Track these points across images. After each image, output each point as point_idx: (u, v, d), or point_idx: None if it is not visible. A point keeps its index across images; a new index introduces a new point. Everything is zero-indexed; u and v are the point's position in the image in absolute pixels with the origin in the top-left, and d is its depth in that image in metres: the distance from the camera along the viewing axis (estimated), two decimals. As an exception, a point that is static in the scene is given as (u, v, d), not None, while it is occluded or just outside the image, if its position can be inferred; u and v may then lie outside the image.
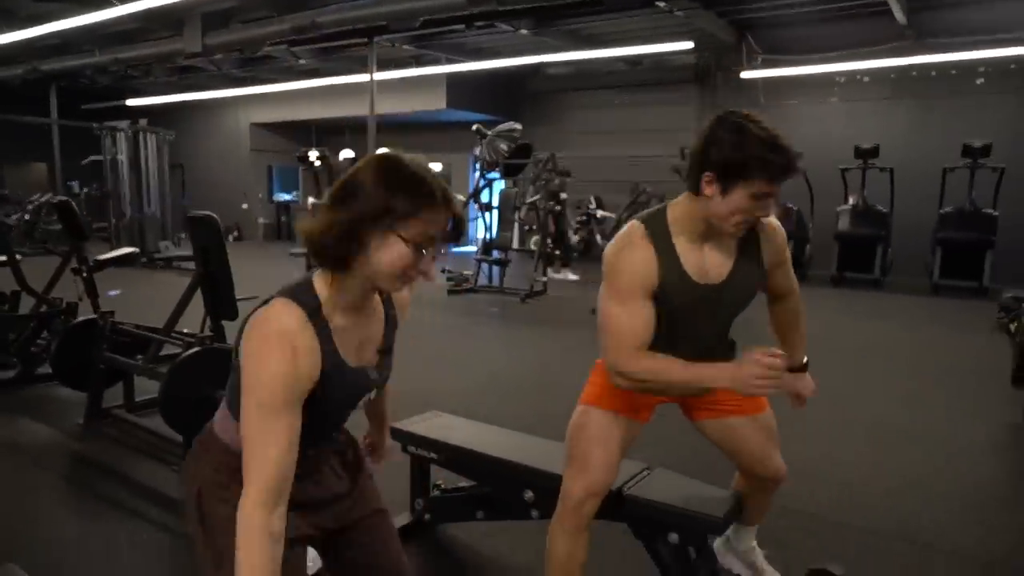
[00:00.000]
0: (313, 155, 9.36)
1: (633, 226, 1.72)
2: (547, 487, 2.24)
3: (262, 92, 14.65)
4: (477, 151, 9.25)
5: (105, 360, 3.71)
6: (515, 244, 11.31)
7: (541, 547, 2.53)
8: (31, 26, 10.03)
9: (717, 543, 2.28)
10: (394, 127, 14.60)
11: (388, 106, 13.05)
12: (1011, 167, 8.64)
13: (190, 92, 15.70)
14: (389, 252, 1.17)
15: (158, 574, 2.40)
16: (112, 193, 11.71)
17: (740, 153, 1.54)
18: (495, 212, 9.12)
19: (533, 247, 9.96)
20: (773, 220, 1.77)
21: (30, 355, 4.53)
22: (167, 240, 11.29)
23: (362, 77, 10.78)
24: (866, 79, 10.57)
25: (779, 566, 2.26)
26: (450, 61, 11.95)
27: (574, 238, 12.56)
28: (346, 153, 13.37)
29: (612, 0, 7.10)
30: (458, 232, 1.23)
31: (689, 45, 9.65)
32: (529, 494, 2.29)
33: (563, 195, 9.08)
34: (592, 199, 12.54)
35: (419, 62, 12.40)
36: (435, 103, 12.98)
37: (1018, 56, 9.10)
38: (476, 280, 8.95)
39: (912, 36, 9.59)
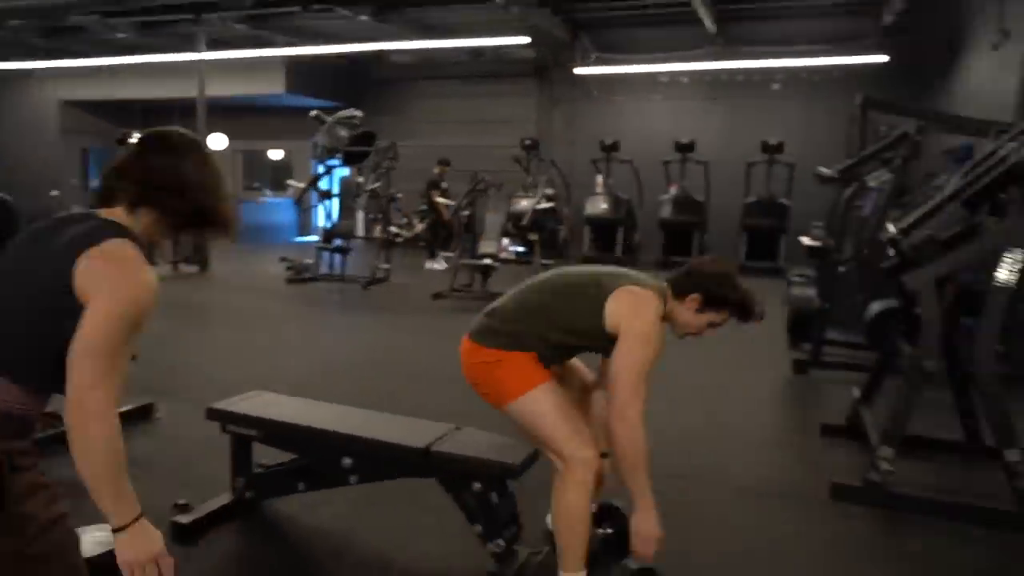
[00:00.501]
0: (136, 137, 8.73)
1: (658, 304, 2.06)
2: (364, 452, 2.40)
3: (73, 66, 13.31)
4: (317, 138, 9.09)
5: None
6: (360, 232, 11.24)
7: (362, 510, 2.69)
8: None
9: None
10: (231, 110, 13.86)
11: (222, 88, 12.38)
12: (800, 162, 9.86)
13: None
14: None
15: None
16: None
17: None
18: (336, 200, 9.01)
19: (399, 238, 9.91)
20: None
21: None
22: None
23: (190, 55, 10.19)
24: (685, 80, 11.58)
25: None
26: (289, 44, 11.56)
27: (419, 226, 12.68)
28: (218, 140, 12.54)
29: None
30: None
31: (526, 40, 10.05)
32: (347, 460, 2.43)
33: (443, 184, 8.92)
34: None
35: (257, 43, 11.87)
36: (273, 87, 12.51)
37: (807, 66, 10.41)
38: (317, 269, 8.82)
39: (721, 44, 10.65)
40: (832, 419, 3.75)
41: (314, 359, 5.11)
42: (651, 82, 11.69)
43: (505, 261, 7.69)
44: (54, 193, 15.33)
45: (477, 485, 2.25)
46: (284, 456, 2.63)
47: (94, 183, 15.58)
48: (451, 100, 13.41)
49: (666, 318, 2.11)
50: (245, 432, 2.60)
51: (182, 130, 1.41)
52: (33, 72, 14.26)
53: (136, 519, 1.21)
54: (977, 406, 3.22)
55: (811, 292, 5.19)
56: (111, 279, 1.22)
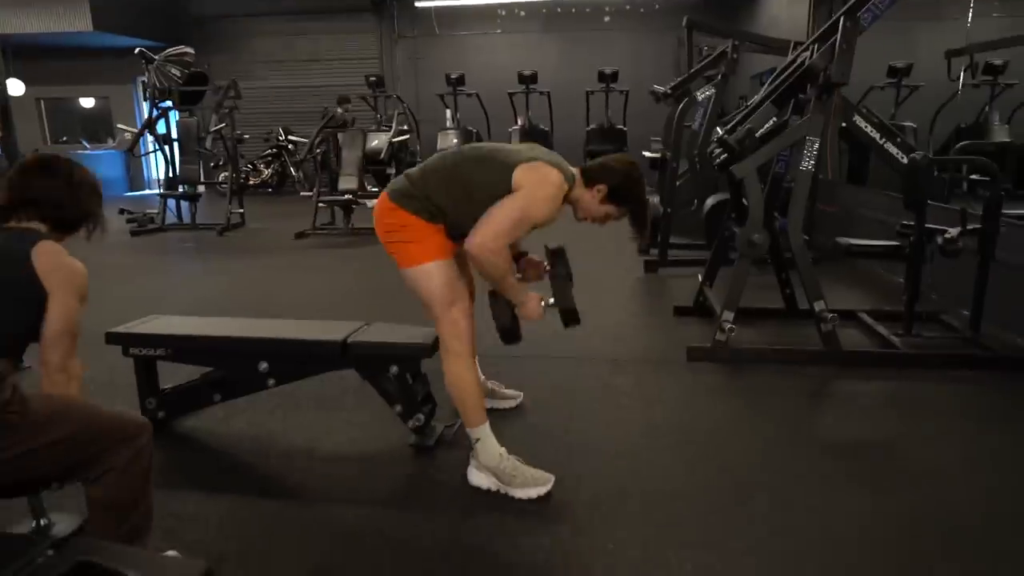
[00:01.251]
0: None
1: (560, 176, 2.19)
2: (279, 354, 2.55)
3: None
4: (145, 78, 8.41)
5: None
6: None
7: (277, 416, 2.84)
8: None
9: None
10: (34, 52, 12.28)
11: (16, 25, 10.97)
12: (634, 90, 10.59)
13: None
14: None
15: None
16: None
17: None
18: (175, 145, 8.46)
19: (222, 184, 9.50)
20: None
21: None
22: None
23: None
24: (522, 13, 11.85)
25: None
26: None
27: (265, 172, 12.18)
28: (15, 86, 10.91)
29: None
30: None
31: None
32: (264, 364, 2.56)
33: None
34: (280, 130, 12.20)
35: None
36: (78, 24, 11.22)
37: (633, -3, 11.07)
38: (163, 219, 8.31)
39: (555, -25, 11.00)
40: (682, 303, 4.35)
41: (185, 301, 4.98)
42: (491, 15, 11.86)
43: (361, 196, 7.69)
44: None
45: (394, 368, 2.49)
46: (182, 378, 2.70)
47: None
48: (286, 38, 12.79)
49: (571, 201, 2.32)
50: (151, 353, 2.63)
51: (58, 156, 1.84)
52: None
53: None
54: (792, 280, 3.92)
55: (654, 199, 5.79)
56: (63, 272, 1.69)
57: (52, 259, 1.68)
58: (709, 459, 2.48)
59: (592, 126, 10.93)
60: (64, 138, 14.32)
